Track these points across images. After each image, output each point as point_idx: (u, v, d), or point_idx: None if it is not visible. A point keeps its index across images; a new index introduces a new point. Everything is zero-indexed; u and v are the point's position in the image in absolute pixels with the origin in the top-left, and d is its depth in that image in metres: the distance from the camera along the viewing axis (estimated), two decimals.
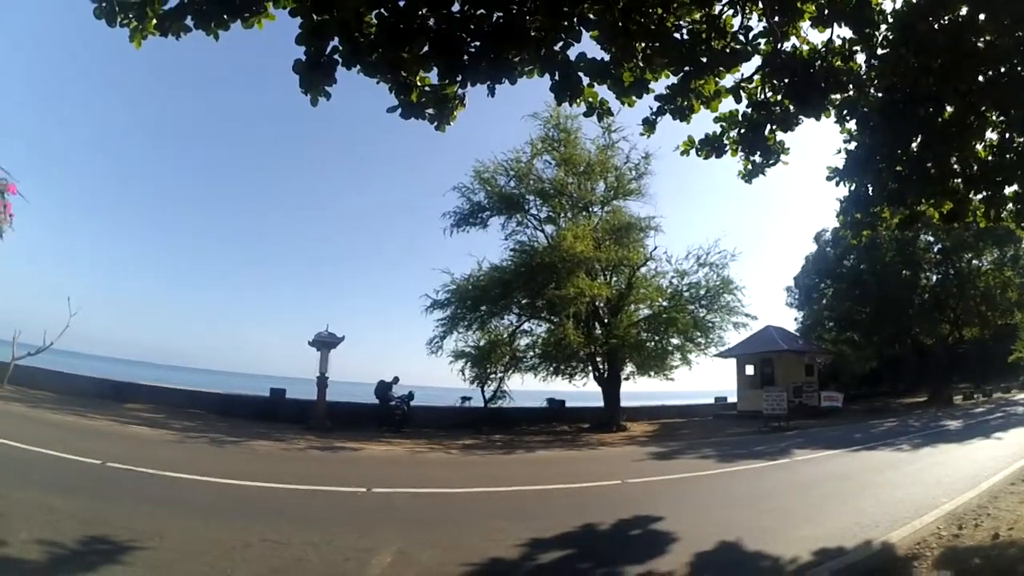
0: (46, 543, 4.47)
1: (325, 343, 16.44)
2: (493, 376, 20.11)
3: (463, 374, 20.18)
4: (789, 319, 35.22)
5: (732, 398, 28.35)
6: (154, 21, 4.49)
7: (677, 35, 4.67)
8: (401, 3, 4.05)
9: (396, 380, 17.40)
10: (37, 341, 17.44)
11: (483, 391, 20.10)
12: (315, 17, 4.03)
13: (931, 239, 29.62)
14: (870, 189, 6.63)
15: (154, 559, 4.47)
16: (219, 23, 4.44)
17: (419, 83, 4.21)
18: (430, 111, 4.27)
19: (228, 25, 4.47)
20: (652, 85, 4.77)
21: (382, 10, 4.04)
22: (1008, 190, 6.73)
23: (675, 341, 20.97)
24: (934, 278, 31.13)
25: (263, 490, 7.45)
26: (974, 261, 30.02)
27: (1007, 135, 6.25)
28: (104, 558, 4.36)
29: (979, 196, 6.81)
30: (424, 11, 4.08)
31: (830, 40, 5.59)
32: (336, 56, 4.05)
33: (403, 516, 6.63)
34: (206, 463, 8.80)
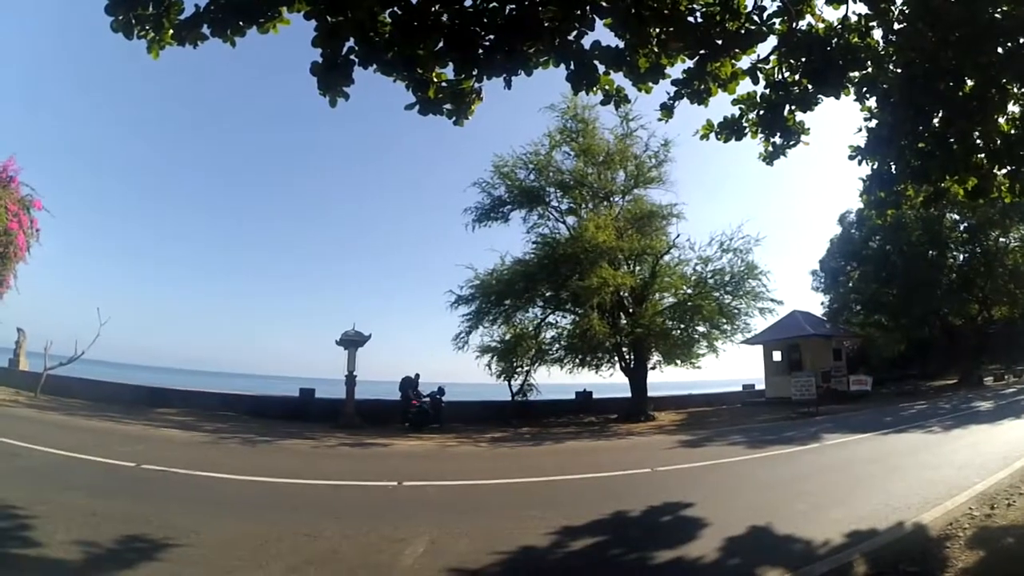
0: (85, 543, 4.59)
1: (352, 341, 16.69)
2: (520, 370, 20.12)
3: (490, 369, 20.28)
4: (816, 303, 34.63)
5: (760, 385, 28.06)
6: (170, 31, 4.55)
7: (691, 18, 4.62)
8: (414, 1, 4.08)
9: (418, 376, 17.56)
10: (69, 351, 17.95)
11: (510, 385, 20.08)
12: (330, 19, 4.07)
13: (957, 217, 28.74)
14: (893, 167, 6.51)
15: (190, 554, 4.58)
16: (235, 30, 4.49)
17: (435, 79, 4.23)
18: (448, 106, 4.30)
19: (244, 32, 4.52)
20: (668, 70, 4.73)
21: (396, 8, 4.06)
22: None
23: (701, 329, 20.74)
24: (961, 257, 30.20)
25: (295, 486, 7.58)
26: (1001, 239, 29.14)
27: None
28: (141, 555, 4.47)
29: (1003, 171, 6.63)
30: (437, 7, 4.09)
31: (846, 17, 5.52)
32: (352, 56, 4.08)
33: (435, 508, 6.71)
34: (238, 462, 8.98)
